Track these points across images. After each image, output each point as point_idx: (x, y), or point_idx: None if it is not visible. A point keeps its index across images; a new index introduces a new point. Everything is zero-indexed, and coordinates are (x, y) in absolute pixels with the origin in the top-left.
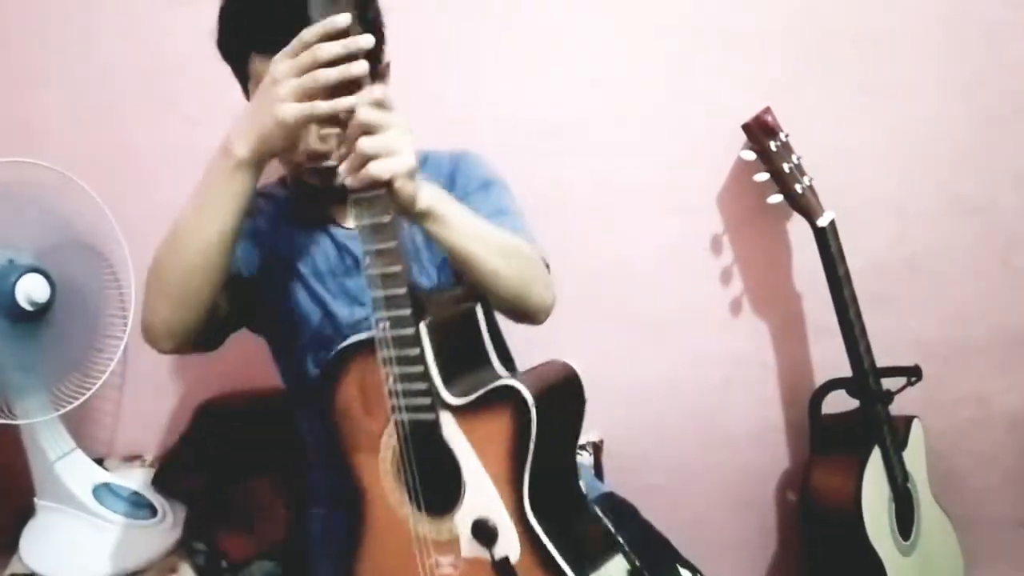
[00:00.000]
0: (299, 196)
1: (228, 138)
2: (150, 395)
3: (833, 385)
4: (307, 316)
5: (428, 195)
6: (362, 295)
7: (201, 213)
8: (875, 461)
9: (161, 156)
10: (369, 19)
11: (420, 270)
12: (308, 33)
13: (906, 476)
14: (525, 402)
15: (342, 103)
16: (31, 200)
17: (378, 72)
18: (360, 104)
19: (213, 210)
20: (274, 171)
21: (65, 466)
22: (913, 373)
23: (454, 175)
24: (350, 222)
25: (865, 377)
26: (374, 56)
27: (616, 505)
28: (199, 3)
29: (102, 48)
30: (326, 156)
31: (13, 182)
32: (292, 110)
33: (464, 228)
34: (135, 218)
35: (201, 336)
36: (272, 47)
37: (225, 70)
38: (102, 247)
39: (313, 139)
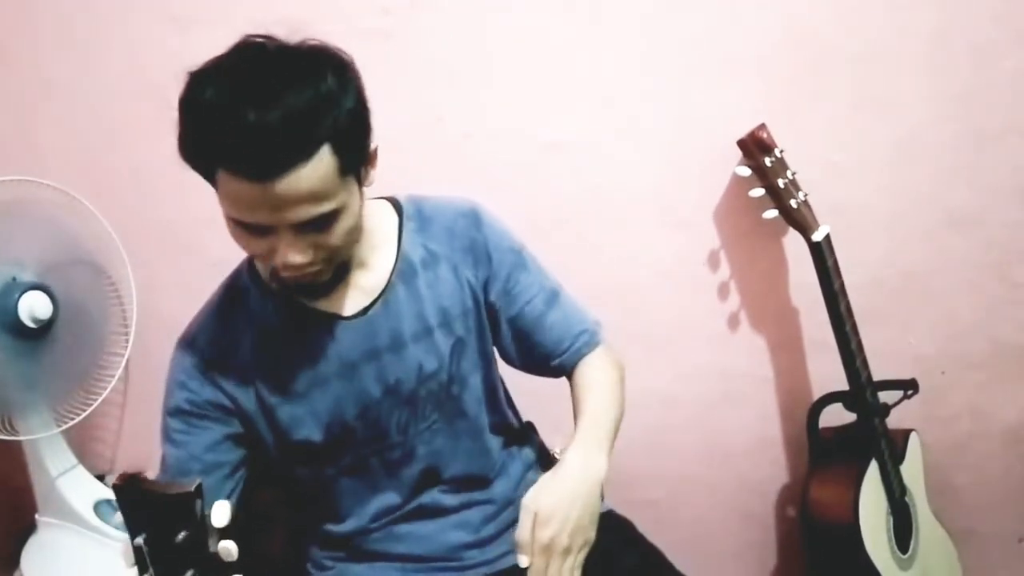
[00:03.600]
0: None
1: None
2: (152, 411)
3: (830, 399)
4: (310, 438)
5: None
6: (370, 386)
7: None
8: (872, 474)
9: (164, 175)
10: (349, 108)
11: (429, 350)
12: None
13: (904, 489)
14: None
15: None
16: (34, 218)
17: (367, 161)
18: None
19: None
20: None
21: (67, 482)
22: (909, 386)
23: (488, 252)
24: (348, 308)
25: (862, 390)
26: (360, 149)
27: (617, 525)
28: (204, 23)
29: (106, 67)
30: (310, 265)
31: (17, 200)
32: None
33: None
34: (138, 236)
35: None
36: (237, 166)
37: None
38: (105, 265)
39: (289, 252)
